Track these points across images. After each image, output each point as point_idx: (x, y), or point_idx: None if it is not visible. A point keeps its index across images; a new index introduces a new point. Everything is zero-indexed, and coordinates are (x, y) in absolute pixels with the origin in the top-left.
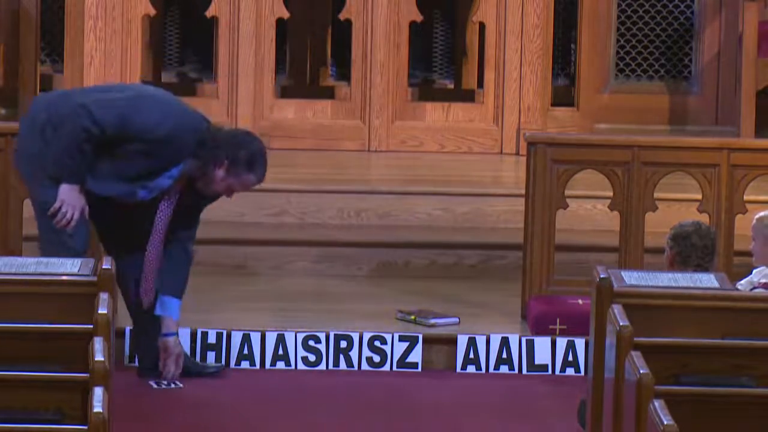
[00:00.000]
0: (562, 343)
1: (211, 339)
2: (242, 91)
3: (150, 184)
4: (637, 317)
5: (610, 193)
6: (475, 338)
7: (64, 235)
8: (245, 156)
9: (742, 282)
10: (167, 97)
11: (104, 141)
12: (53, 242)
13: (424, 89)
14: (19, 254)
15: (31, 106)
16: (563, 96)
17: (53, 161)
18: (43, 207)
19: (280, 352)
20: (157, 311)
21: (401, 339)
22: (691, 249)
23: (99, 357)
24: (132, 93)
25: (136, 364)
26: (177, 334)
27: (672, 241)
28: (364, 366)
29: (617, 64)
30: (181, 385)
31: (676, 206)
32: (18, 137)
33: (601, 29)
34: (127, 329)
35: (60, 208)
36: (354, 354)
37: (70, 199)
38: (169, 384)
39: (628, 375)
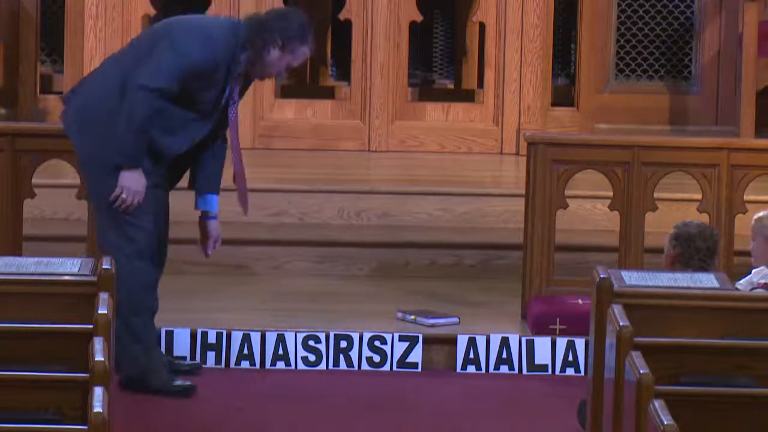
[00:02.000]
0: (562, 343)
1: (211, 339)
2: None
3: (220, 105)
4: (637, 317)
5: (610, 193)
6: (475, 338)
7: (128, 228)
8: (296, 29)
9: (742, 282)
10: (200, 23)
11: (170, 98)
12: (116, 236)
13: (424, 89)
14: (19, 254)
15: (73, 116)
16: (563, 96)
17: (117, 150)
18: (106, 199)
19: (280, 352)
20: (199, 206)
21: (401, 339)
22: (694, 251)
23: (99, 357)
24: (167, 41)
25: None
26: (217, 218)
27: (675, 240)
28: (364, 366)
29: (617, 64)
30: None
31: (676, 206)
32: (78, 136)
33: (601, 29)
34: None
35: (120, 194)
36: (354, 354)
37: (129, 184)
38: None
39: (628, 375)
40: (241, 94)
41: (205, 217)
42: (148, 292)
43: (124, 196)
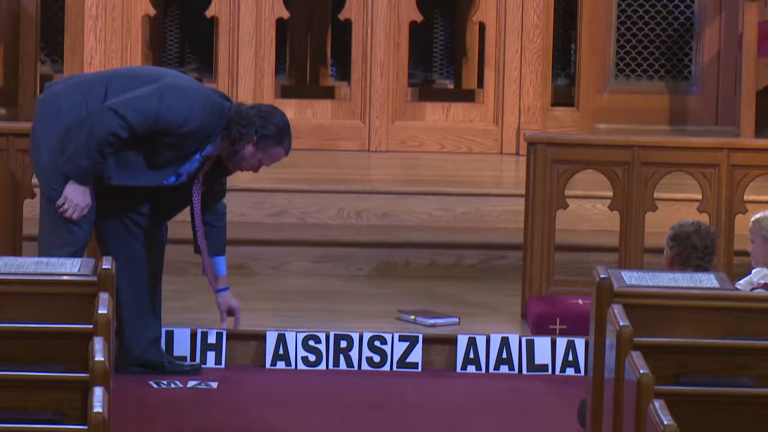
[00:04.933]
0: (562, 343)
1: (211, 339)
2: (242, 91)
3: (179, 169)
4: (637, 317)
5: (610, 193)
6: (475, 338)
7: (64, 232)
8: (273, 130)
9: (742, 282)
10: (192, 86)
11: (133, 138)
12: (51, 237)
13: (424, 89)
14: (19, 254)
15: (49, 97)
16: (563, 96)
17: (68, 159)
18: (49, 202)
19: (280, 352)
20: (204, 273)
21: (401, 339)
22: (691, 250)
23: (99, 357)
24: (156, 87)
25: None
26: (228, 288)
27: (672, 241)
28: (364, 366)
29: (617, 64)
30: (181, 384)
31: (676, 206)
32: (35, 128)
33: (601, 29)
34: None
35: (63, 204)
36: (354, 354)
37: (73, 197)
38: (168, 384)
39: (628, 375)
40: (213, 181)
41: (216, 291)
42: None
43: (65, 206)
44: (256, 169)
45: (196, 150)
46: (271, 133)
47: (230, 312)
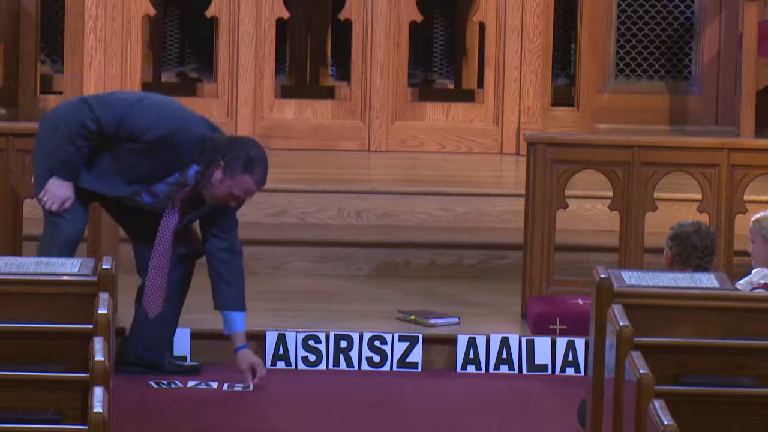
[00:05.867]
0: (562, 343)
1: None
2: (242, 91)
3: (152, 188)
4: (637, 317)
5: (610, 193)
6: (475, 338)
7: (50, 228)
8: (242, 157)
9: (742, 282)
10: (170, 104)
11: (102, 138)
12: (44, 235)
13: (424, 89)
14: (19, 254)
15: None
16: (563, 96)
17: (48, 153)
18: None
19: (280, 352)
20: (225, 332)
21: (401, 339)
22: (691, 250)
23: (99, 357)
24: (136, 97)
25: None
26: (247, 345)
27: (672, 241)
28: (364, 366)
29: (617, 64)
30: (181, 384)
31: (676, 206)
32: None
33: (601, 29)
34: (127, 329)
35: (44, 196)
36: (354, 354)
37: (53, 189)
38: (168, 384)
39: (628, 375)
40: (188, 218)
41: (235, 349)
42: None
43: (45, 198)
44: (231, 200)
45: (169, 172)
46: (239, 160)
47: (252, 369)
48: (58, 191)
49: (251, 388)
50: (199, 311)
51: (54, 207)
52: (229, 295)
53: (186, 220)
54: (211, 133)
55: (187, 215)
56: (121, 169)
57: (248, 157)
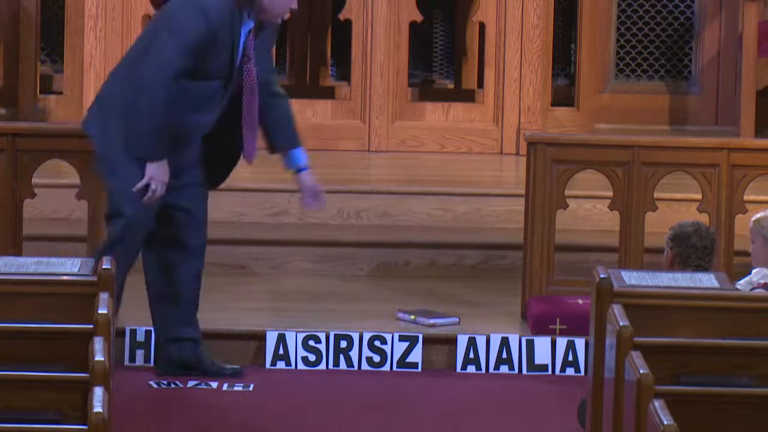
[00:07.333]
0: (562, 343)
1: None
2: None
3: (235, 67)
4: (637, 317)
5: (610, 193)
6: (475, 338)
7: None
8: None
9: (742, 282)
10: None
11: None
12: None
13: (424, 89)
14: (20, 254)
15: (96, 103)
16: (563, 96)
17: (140, 142)
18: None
19: (280, 352)
20: (288, 166)
21: (401, 339)
22: (691, 250)
23: (99, 357)
24: (165, 24)
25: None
26: (308, 170)
27: (672, 241)
28: (364, 366)
29: (617, 64)
30: (181, 384)
31: (676, 206)
32: (99, 132)
33: (601, 29)
34: (127, 329)
35: (149, 185)
36: (354, 354)
37: (158, 175)
38: (168, 384)
39: (628, 375)
40: (265, 47)
41: (296, 174)
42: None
43: (153, 186)
44: (292, 6)
45: (233, 39)
46: None
47: (313, 194)
48: (161, 175)
49: (305, 208)
50: (199, 311)
51: (162, 191)
52: (282, 136)
53: (260, 69)
54: None
55: (259, 63)
56: (213, 78)
57: None
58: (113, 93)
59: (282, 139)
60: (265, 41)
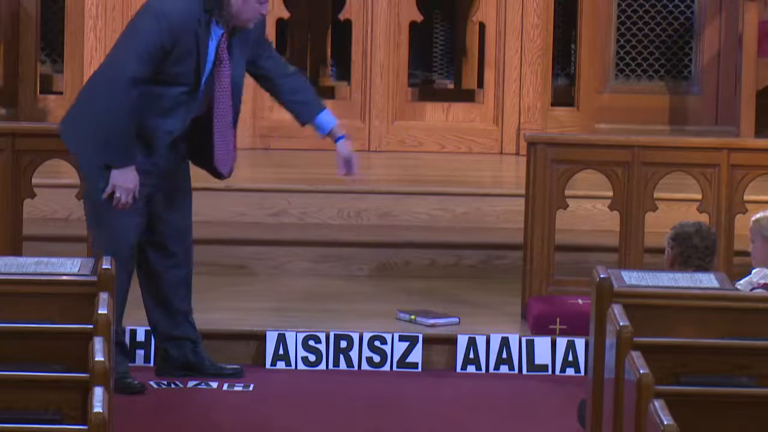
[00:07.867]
0: (562, 343)
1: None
2: None
3: (203, 72)
4: (637, 317)
5: (610, 193)
6: (475, 338)
7: (114, 230)
8: None
9: (742, 282)
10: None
11: (148, 81)
12: (102, 238)
13: (424, 89)
14: (20, 254)
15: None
16: (563, 96)
17: (103, 149)
18: (96, 199)
19: (280, 352)
20: (321, 132)
21: (401, 339)
22: (692, 250)
23: (99, 357)
24: (130, 27)
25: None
26: (345, 136)
27: (673, 241)
28: (364, 366)
29: (617, 64)
30: (181, 384)
31: (676, 206)
32: (71, 138)
33: (601, 29)
34: (128, 329)
35: (113, 193)
36: (354, 354)
37: (121, 182)
38: (168, 384)
39: (628, 375)
40: (257, 44)
41: (336, 140)
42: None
43: (117, 194)
44: (263, 8)
45: (198, 43)
46: None
47: (346, 163)
48: (127, 182)
49: (341, 175)
50: (197, 311)
51: (129, 198)
52: (306, 107)
53: (238, 73)
54: None
55: (237, 67)
56: (179, 83)
57: None
58: (79, 102)
59: (305, 111)
60: (248, 37)
